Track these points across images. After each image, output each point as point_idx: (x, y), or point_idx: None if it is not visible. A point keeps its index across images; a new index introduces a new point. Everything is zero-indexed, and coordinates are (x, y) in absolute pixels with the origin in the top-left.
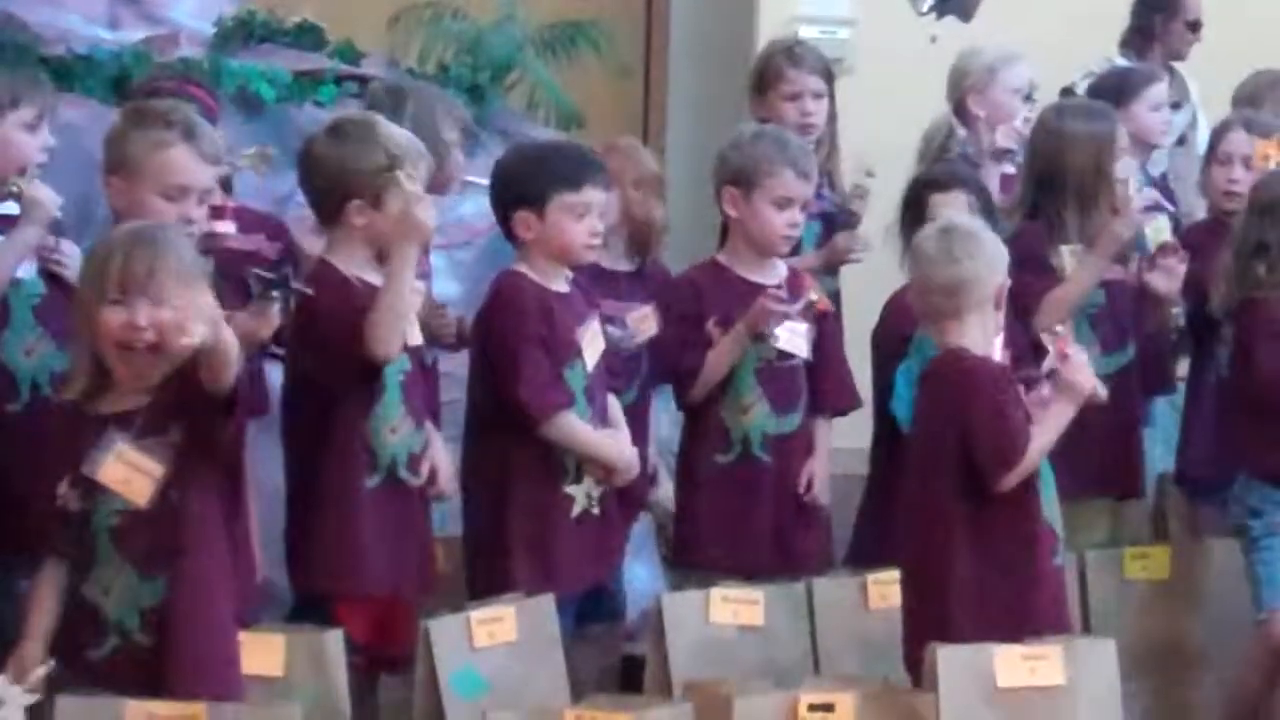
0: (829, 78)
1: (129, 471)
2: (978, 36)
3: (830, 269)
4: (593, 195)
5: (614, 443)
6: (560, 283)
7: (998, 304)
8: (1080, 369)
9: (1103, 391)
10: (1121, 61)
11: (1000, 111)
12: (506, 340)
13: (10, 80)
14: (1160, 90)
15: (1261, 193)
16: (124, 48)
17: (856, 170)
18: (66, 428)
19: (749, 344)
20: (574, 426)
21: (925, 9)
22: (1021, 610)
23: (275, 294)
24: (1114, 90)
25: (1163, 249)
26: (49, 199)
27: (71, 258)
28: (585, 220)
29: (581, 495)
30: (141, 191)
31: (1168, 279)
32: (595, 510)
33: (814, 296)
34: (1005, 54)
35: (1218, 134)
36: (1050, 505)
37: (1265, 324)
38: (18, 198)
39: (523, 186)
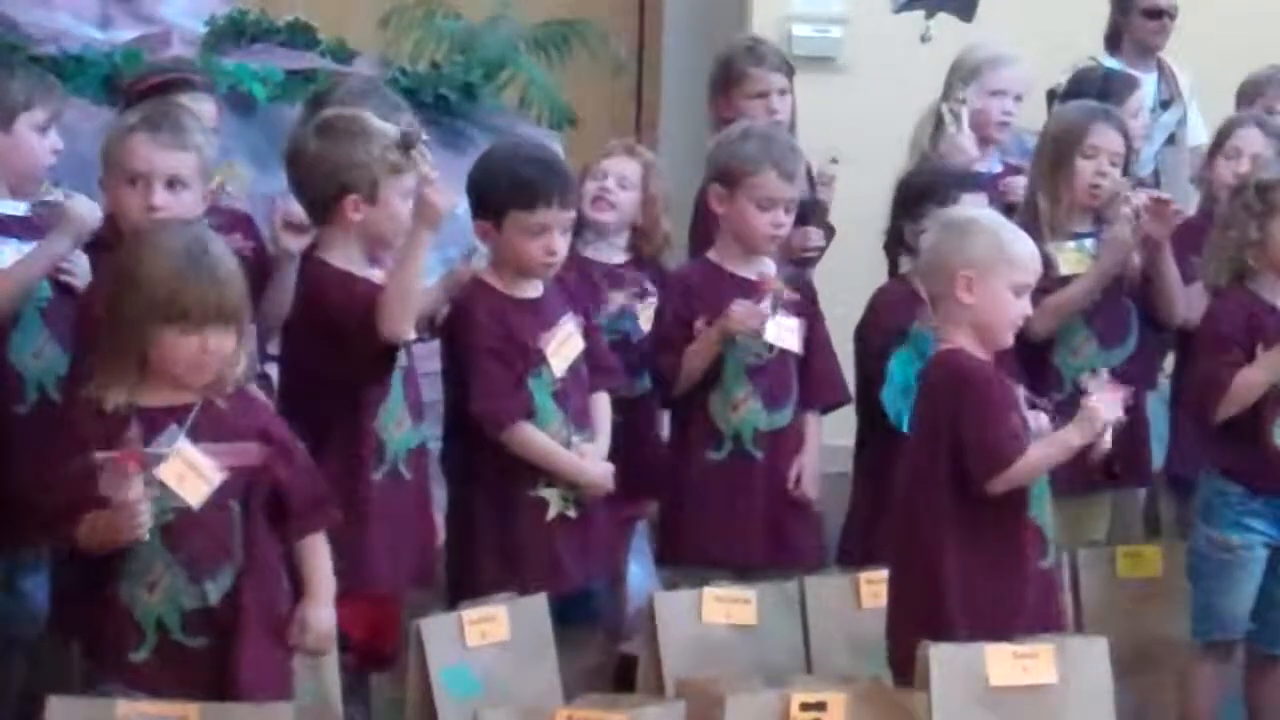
0: (790, 74)
1: (186, 470)
2: (975, 36)
3: (791, 263)
4: (548, 216)
5: (571, 457)
6: (529, 288)
7: (1016, 294)
8: (1112, 409)
9: (1107, 444)
10: (1111, 62)
11: (976, 112)
12: (463, 351)
13: (25, 81)
14: (1140, 97)
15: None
16: (115, 47)
17: (822, 158)
18: (101, 421)
19: (722, 346)
20: (530, 438)
21: (897, 8)
22: (1007, 609)
23: None
24: (1094, 95)
25: (1153, 199)
26: (87, 214)
27: (80, 268)
28: (541, 239)
29: (556, 498)
30: (111, 184)
31: (1159, 223)
32: (572, 513)
33: (778, 286)
34: (994, 56)
35: (1228, 128)
36: (1039, 506)
37: (1209, 324)
38: (49, 206)
39: (481, 198)
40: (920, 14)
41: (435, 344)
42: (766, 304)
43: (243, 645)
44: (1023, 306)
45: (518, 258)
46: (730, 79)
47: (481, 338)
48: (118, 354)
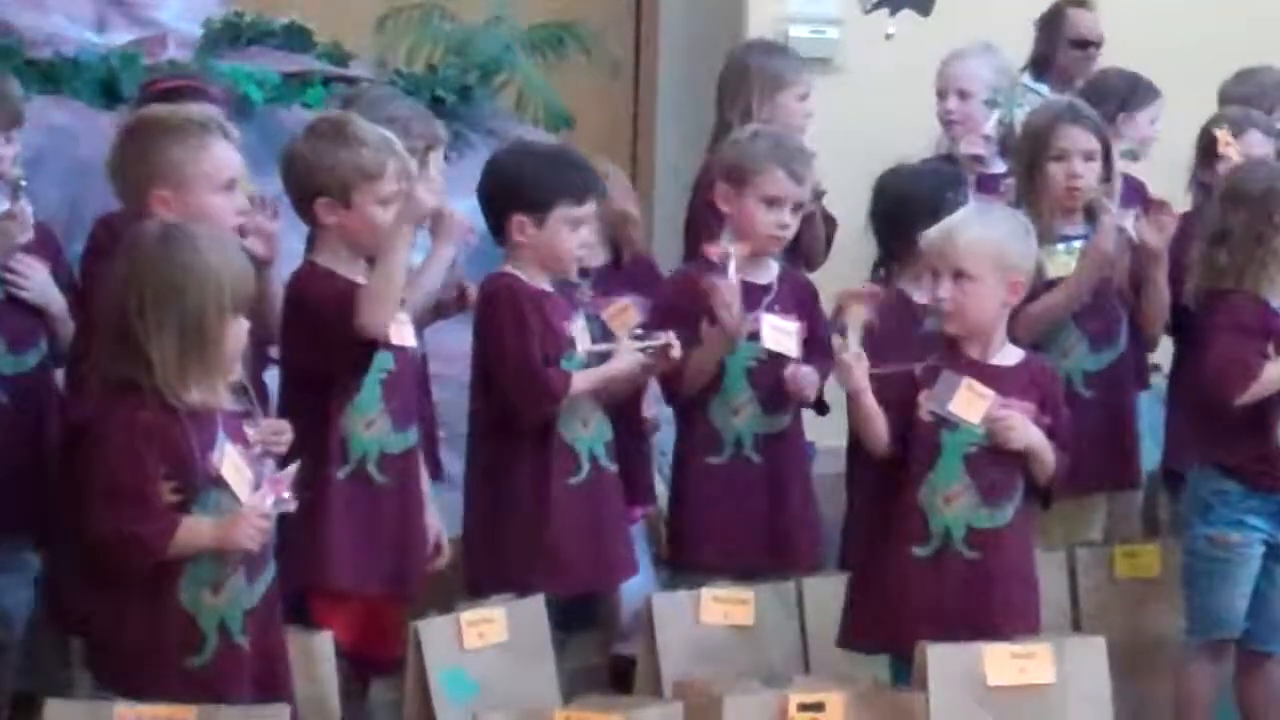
0: None
1: (235, 470)
2: (938, 32)
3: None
4: (591, 209)
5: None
6: (545, 283)
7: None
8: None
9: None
10: (1038, 87)
11: (940, 116)
12: (504, 338)
13: None
14: (1160, 104)
15: (1231, 181)
16: (112, 50)
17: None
18: (162, 423)
19: (730, 342)
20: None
21: (869, 7)
22: (878, 589)
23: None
24: (1122, 95)
25: (1153, 204)
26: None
27: (33, 279)
28: (580, 232)
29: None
30: (196, 195)
31: (1158, 233)
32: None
33: (725, 247)
34: (947, 56)
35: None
36: (936, 491)
37: (1227, 316)
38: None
39: (528, 191)
40: (904, 14)
41: (435, 348)
42: (731, 272)
43: (279, 641)
44: (938, 289)
45: (556, 251)
46: (782, 81)
47: (530, 321)
48: (198, 352)
